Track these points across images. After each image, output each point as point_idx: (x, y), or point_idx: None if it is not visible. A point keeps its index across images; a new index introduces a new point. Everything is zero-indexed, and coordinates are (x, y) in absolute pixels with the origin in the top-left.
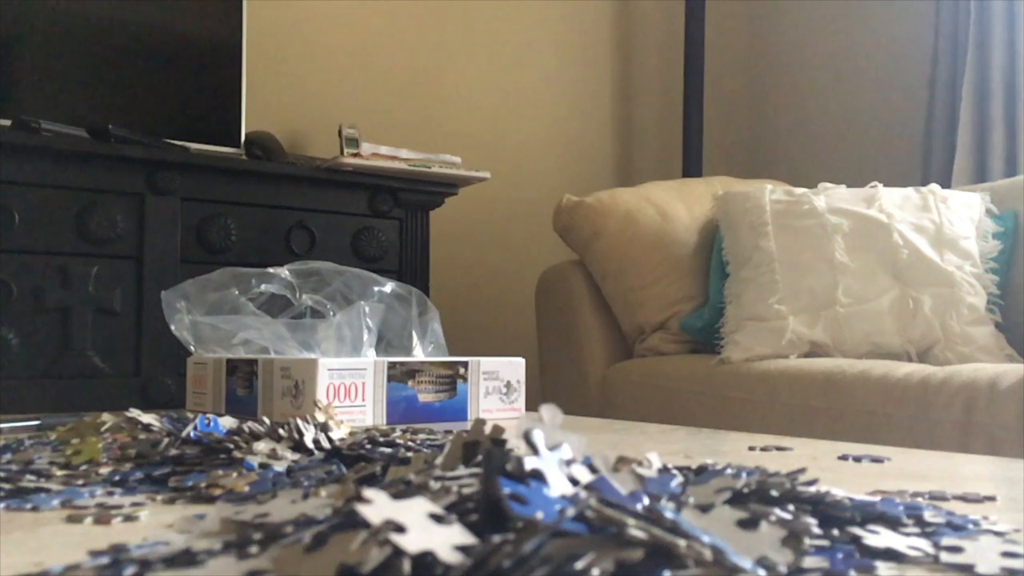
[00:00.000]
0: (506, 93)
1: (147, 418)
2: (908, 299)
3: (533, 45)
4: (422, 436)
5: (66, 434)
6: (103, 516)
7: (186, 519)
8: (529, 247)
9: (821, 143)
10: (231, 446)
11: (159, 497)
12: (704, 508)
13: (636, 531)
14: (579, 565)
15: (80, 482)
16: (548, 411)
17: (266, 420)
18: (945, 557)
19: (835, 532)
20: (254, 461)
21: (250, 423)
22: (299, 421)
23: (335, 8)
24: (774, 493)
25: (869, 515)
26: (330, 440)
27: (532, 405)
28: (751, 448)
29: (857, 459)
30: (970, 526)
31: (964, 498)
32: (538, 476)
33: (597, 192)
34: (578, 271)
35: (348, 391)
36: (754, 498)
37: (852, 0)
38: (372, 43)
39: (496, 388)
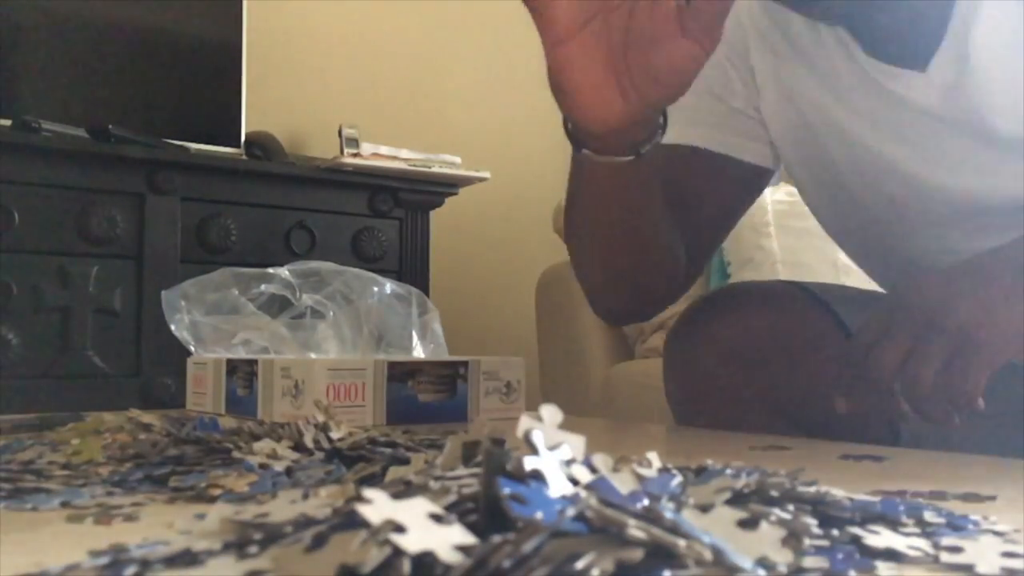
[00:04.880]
0: (506, 93)
1: (147, 418)
2: None
3: (533, 45)
4: (422, 436)
5: (66, 434)
6: (103, 516)
7: (186, 519)
8: (529, 247)
9: None
10: (231, 446)
11: (159, 497)
12: (704, 508)
13: (636, 531)
14: (579, 565)
15: (80, 482)
16: (548, 411)
17: (266, 420)
18: (945, 557)
19: (835, 532)
20: (254, 461)
21: (250, 423)
22: (299, 421)
23: (335, 8)
24: (774, 493)
25: (869, 515)
26: (330, 440)
27: (532, 405)
28: (751, 448)
29: (857, 459)
30: (970, 526)
31: (964, 498)
32: (538, 476)
33: None
34: None
35: (348, 391)
36: (754, 498)
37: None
38: (372, 43)
39: (496, 388)
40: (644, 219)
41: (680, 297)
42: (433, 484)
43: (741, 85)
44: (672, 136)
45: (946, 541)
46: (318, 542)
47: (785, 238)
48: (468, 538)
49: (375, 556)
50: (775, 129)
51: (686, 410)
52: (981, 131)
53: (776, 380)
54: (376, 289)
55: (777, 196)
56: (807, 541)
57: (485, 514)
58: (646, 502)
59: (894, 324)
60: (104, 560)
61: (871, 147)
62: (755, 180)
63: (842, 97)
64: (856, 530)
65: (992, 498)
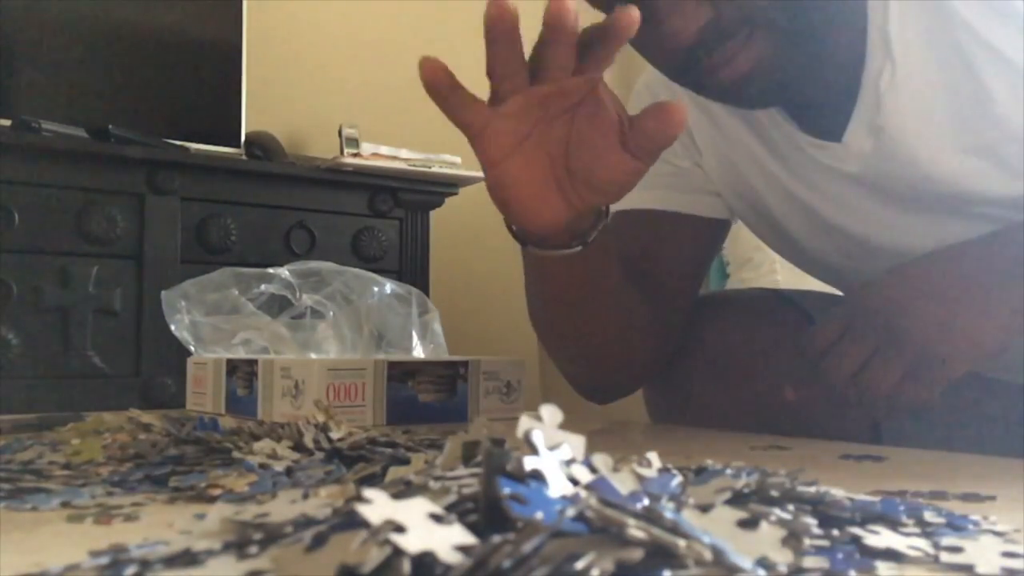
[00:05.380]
0: None
1: (147, 418)
2: None
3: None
4: (422, 436)
5: (66, 434)
6: (103, 516)
7: (186, 519)
8: None
9: None
10: (231, 446)
11: (159, 497)
12: (704, 508)
13: (636, 531)
14: (579, 565)
15: (80, 482)
16: (548, 411)
17: (266, 420)
18: (945, 557)
19: (835, 532)
20: (254, 461)
21: (250, 423)
22: (299, 421)
23: (335, 8)
24: (774, 493)
25: (869, 515)
26: (330, 440)
27: (532, 405)
28: (751, 448)
29: (857, 459)
30: (970, 526)
31: (964, 498)
32: (538, 476)
33: None
34: None
35: (348, 391)
36: (754, 498)
37: None
38: (372, 43)
39: (496, 388)
40: (603, 301)
41: (664, 364)
42: (433, 484)
43: (682, 147)
44: (625, 202)
45: (946, 541)
46: (318, 542)
47: None
48: (468, 538)
49: (375, 556)
50: (718, 184)
51: (666, 420)
52: (905, 197)
53: (755, 389)
54: (376, 289)
55: None
56: (807, 541)
57: (485, 514)
58: (646, 502)
59: (854, 328)
60: (104, 560)
61: (812, 207)
62: (714, 232)
63: (780, 157)
64: (856, 530)
65: (992, 498)
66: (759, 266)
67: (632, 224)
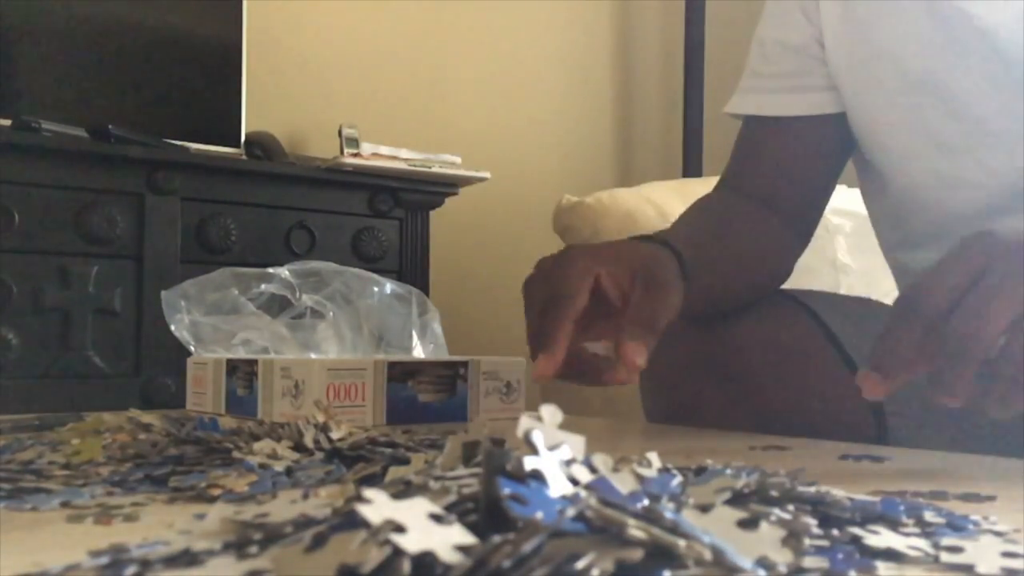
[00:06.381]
0: (506, 93)
1: (147, 418)
2: None
3: (533, 45)
4: (422, 436)
5: (66, 434)
6: (103, 516)
7: (186, 519)
8: (529, 247)
9: None
10: (231, 446)
11: (159, 497)
12: (704, 508)
13: (636, 531)
14: (579, 565)
15: (80, 482)
16: (548, 411)
17: (266, 420)
18: (945, 557)
19: (835, 532)
20: (254, 461)
21: (250, 423)
22: (299, 421)
23: (335, 8)
24: (774, 493)
25: (869, 515)
26: (330, 440)
27: (532, 405)
28: (751, 448)
29: (857, 459)
30: (970, 526)
31: (964, 498)
32: (538, 476)
33: (597, 192)
34: None
35: (348, 391)
36: (754, 498)
37: None
38: (372, 43)
39: (496, 388)
40: (737, 270)
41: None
42: (433, 484)
43: (811, 28)
44: (753, 107)
45: (946, 541)
46: (318, 542)
47: None
48: (468, 538)
49: (375, 556)
50: (837, 73)
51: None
52: None
53: (762, 394)
54: (376, 289)
55: None
56: (807, 541)
57: (485, 514)
58: (646, 502)
59: (992, 274)
60: (104, 560)
61: (935, 79)
62: (843, 126)
63: (908, 27)
64: (856, 530)
65: (992, 498)
66: None
67: (761, 129)
